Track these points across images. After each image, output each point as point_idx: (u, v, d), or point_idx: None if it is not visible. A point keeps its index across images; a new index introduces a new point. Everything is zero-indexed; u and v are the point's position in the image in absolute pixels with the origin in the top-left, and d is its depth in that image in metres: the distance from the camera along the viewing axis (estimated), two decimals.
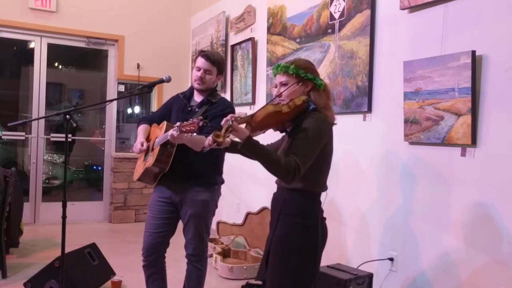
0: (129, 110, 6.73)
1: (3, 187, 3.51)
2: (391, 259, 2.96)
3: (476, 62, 2.44)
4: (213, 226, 3.19)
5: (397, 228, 2.94)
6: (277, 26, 4.23)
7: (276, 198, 2.00)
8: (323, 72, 3.55)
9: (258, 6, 4.63)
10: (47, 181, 6.01)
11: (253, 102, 4.64)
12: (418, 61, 2.75)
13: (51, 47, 5.73)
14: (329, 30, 3.58)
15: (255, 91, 4.63)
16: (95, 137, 6.32)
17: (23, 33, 5.55)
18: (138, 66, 6.04)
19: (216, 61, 2.54)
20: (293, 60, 2.00)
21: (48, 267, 3.05)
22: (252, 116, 1.77)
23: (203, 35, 5.79)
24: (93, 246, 3.44)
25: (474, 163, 2.49)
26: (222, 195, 2.69)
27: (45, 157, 5.84)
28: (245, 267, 3.77)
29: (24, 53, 5.88)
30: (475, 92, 2.45)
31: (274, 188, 2.03)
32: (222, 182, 2.66)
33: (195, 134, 2.12)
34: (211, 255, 3.88)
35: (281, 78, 1.94)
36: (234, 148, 1.98)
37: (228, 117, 1.69)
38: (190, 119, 2.10)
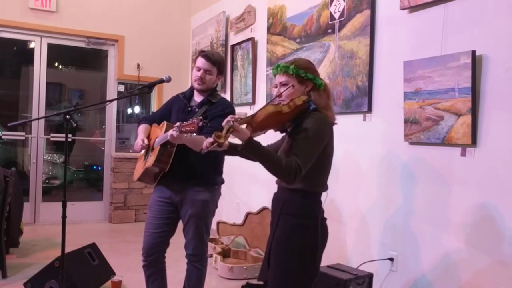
0: (129, 110, 6.73)
1: (3, 187, 3.51)
2: (391, 259, 2.96)
3: (476, 62, 2.44)
4: (213, 226, 3.19)
5: (397, 228, 2.94)
6: (277, 26, 4.23)
7: (276, 198, 2.00)
8: (323, 72, 3.55)
9: (258, 6, 4.63)
10: (47, 181, 6.01)
11: (253, 102, 4.64)
12: (418, 61, 2.75)
13: (51, 47, 5.73)
14: (329, 30, 3.58)
15: (255, 91, 4.63)
16: (95, 137, 6.32)
17: (23, 33, 5.55)
18: (138, 66, 6.04)
19: (216, 61, 2.54)
20: (293, 60, 2.00)
21: (48, 267, 3.05)
22: (252, 116, 1.77)
23: (203, 35, 5.79)
24: (93, 246, 3.44)
25: (474, 163, 2.49)
26: (222, 195, 2.69)
27: (45, 157, 5.84)
28: (245, 267, 3.77)
29: (24, 53, 5.88)
30: (475, 92, 2.45)
31: (274, 188, 2.03)
32: (222, 182, 2.66)
33: (194, 134, 2.12)
34: (211, 255, 3.88)
35: (281, 78, 1.94)
36: (232, 150, 1.99)
37: (229, 117, 1.69)
38: (190, 119, 2.11)
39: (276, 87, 1.97)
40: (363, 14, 3.24)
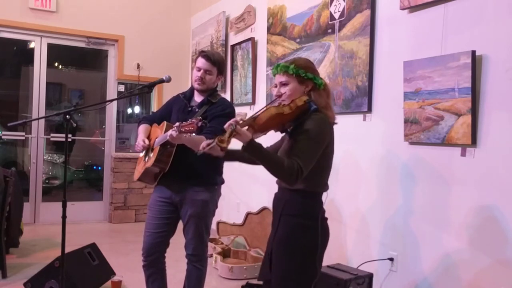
0: (129, 110, 6.73)
1: (3, 187, 3.51)
2: (391, 259, 2.96)
3: (476, 62, 2.44)
4: (213, 226, 3.19)
5: (397, 228, 2.94)
6: (277, 26, 4.23)
7: (277, 198, 2.00)
8: (323, 72, 3.54)
9: (258, 6, 4.63)
10: (47, 181, 6.01)
11: (253, 102, 4.64)
12: (418, 61, 2.75)
13: (51, 47, 5.73)
14: (329, 30, 3.58)
15: (255, 91, 4.63)
16: (95, 137, 6.32)
17: (23, 33, 5.55)
18: (138, 66, 6.04)
19: (216, 61, 2.54)
20: (293, 59, 1.99)
21: (48, 267, 3.05)
22: (254, 118, 1.77)
23: (203, 35, 5.79)
24: (93, 246, 3.44)
25: (474, 163, 2.49)
26: (222, 195, 2.69)
27: (45, 157, 5.84)
28: (245, 267, 3.77)
29: (24, 53, 5.88)
30: (475, 92, 2.45)
31: (274, 188, 2.03)
32: (222, 182, 2.66)
33: (194, 134, 2.12)
34: (211, 255, 3.88)
35: (280, 78, 1.94)
36: (230, 156, 2.04)
37: (232, 121, 1.70)
38: (189, 119, 2.11)
39: (276, 86, 1.97)
40: (363, 14, 3.24)
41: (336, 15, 3.51)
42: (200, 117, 2.16)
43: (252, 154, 1.75)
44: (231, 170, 3.30)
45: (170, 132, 2.19)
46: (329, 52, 3.57)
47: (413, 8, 2.86)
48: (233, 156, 2.09)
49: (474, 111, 2.45)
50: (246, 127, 1.75)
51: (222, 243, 4.33)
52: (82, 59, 6.41)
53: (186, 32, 6.35)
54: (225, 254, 4.14)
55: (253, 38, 4.63)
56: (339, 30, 3.47)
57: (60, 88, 6.48)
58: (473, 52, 2.44)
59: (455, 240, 2.57)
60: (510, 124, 2.32)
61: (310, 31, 3.80)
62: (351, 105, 3.33)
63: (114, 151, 6.03)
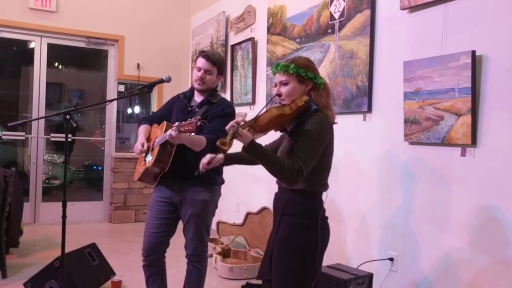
0: (129, 110, 6.73)
1: (3, 187, 3.51)
2: (391, 259, 2.96)
3: (476, 62, 2.44)
4: (213, 226, 3.19)
5: (397, 228, 2.94)
6: (277, 26, 4.23)
7: (278, 198, 2.00)
8: (323, 72, 3.54)
9: (258, 6, 4.63)
10: (47, 181, 6.01)
11: (253, 102, 4.64)
12: (418, 61, 2.75)
13: (51, 47, 5.73)
14: (329, 30, 3.58)
15: (255, 91, 4.62)
16: (95, 137, 6.32)
17: (23, 33, 5.55)
18: (138, 66, 6.04)
19: (217, 61, 2.54)
20: (293, 58, 1.99)
21: (48, 267, 3.05)
22: (255, 120, 1.78)
23: (203, 35, 5.79)
24: (93, 246, 3.44)
25: (474, 163, 2.49)
26: (222, 195, 2.69)
27: (45, 157, 5.84)
28: (245, 267, 3.76)
29: (24, 53, 5.88)
30: (475, 92, 2.45)
31: (274, 188, 2.03)
32: (222, 182, 2.66)
33: (193, 134, 2.12)
34: (211, 255, 3.88)
35: (280, 77, 1.94)
36: (229, 160, 2.09)
37: (233, 123, 1.70)
38: (189, 119, 2.11)
39: (276, 86, 1.97)
40: (363, 14, 3.24)
41: (336, 15, 3.51)
42: (199, 117, 2.16)
43: (252, 155, 1.76)
44: (231, 170, 3.28)
45: (169, 131, 2.19)
46: (329, 52, 3.57)
47: (413, 8, 2.86)
48: (233, 160, 2.13)
49: (474, 111, 2.45)
50: (247, 128, 1.75)
51: (222, 243, 4.33)
52: (82, 59, 6.41)
53: (186, 32, 6.35)
54: (225, 254, 4.14)
55: (253, 38, 4.63)
56: (339, 30, 3.47)
57: (60, 88, 6.48)
58: (473, 52, 2.44)
59: (455, 240, 2.57)
60: (510, 124, 2.32)
61: (310, 31, 3.80)
62: (351, 105, 3.33)
63: (114, 151, 6.03)
